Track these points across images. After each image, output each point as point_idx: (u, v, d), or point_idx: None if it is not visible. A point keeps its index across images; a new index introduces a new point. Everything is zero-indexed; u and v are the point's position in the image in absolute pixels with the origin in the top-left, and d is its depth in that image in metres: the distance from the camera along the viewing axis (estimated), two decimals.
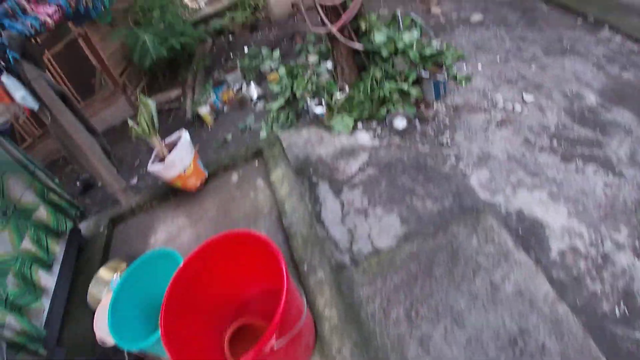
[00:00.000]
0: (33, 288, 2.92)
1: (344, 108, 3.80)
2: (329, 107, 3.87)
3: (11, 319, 2.63)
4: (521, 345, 1.94)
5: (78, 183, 5.12)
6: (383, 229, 2.88)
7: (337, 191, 3.26)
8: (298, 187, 2.91)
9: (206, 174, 3.38)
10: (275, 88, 4.57)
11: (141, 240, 3.36)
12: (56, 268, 3.17)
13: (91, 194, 4.97)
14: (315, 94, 4.05)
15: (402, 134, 3.51)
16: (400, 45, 3.62)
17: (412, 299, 2.27)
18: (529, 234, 2.53)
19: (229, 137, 4.51)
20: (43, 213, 3.17)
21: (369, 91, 3.70)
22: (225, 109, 4.99)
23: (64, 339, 3.03)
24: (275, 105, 4.43)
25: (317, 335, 2.13)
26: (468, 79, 3.81)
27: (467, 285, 2.22)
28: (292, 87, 4.34)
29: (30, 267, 2.92)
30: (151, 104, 3.09)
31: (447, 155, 3.21)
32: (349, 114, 3.78)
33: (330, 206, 3.19)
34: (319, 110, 3.89)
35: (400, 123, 3.54)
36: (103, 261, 3.37)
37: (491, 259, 2.28)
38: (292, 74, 4.45)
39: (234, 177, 3.34)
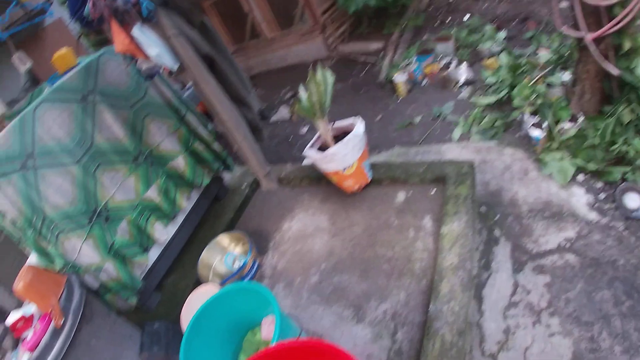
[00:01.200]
0: (145, 239, 2.75)
1: (568, 146, 2.82)
2: (549, 135, 2.91)
3: (109, 266, 2.48)
4: None
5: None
6: (547, 351, 2.10)
7: (518, 266, 2.46)
8: (471, 258, 2.20)
9: (369, 179, 2.79)
10: (490, 78, 3.66)
11: (275, 219, 3.03)
12: (180, 218, 2.98)
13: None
14: (537, 110, 3.08)
15: (630, 220, 2.50)
16: None
17: None
18: None
19: (417, 119, 3.81)
20: (181, 163, 2.90)
21: (607, 136, 2.66)
22: (424, 83, 4.22)
23: (165, 285, 2.91)
24: (483, 100, 3.55)
25: None
26: None
27: None
28: (510, 87, 3.40)
29: (148, 219, 2.73)
30: (329, 78, 2.52)
31: None
32: (572, 156, 2.81)
33: (500, 283, 2.43)
34: (536, 132, 2.96)
35: (634, 202, 2.51)
36: (234, 220, 3.15)
37: None
38: (515, 70, 3.48)
39: (400, 196, 2.72)
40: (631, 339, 2.04)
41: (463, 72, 3.91)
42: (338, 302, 2.42)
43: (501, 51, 3.95)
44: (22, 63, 3.33)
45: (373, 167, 2.88)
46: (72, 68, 2.58)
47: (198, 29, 2.36)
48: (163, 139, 2.87)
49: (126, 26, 2.02)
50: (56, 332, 2.14)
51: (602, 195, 2.67)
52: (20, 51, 3.49)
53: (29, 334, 2.23)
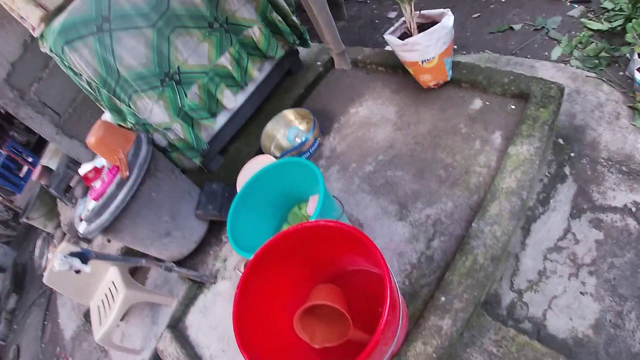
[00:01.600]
0: (214, 105, 2.82)
1: None
2: None
3: (177, 126, 2.60)
4: None
5: None
6: (573, 308, 2.08)
7: (577, 212, 2.35)
8: (531, 187, 2.12)
9: (448, 77, 2.66)
10: (607, 3, 3.23)
11: (344, 102, 3.00)
12: (251, 88, 3.00)
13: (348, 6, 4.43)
14: None
15: None
16: None
17: None
18: None
19: (517, 27, 3.46)
20: (256, 32, 2.84)
21: None
22: None
23: (229, 150, 3.02)
24: (593, 25, 3.18)
25: None
26: None
27: None
28: (627, 19, 3.01)
29: (219, 85, 2.75)
30: None
31: None
32: None
33: (553, 223, 2.35)
34: None
35: None
36: (303, 97, 3.18)
37: None
38: (636, 1, 3.05)
39: (477, 103, 2.60)
40: None
41: None
42: (386, 195, 2.44)
43: None
44: None
45: (455, 66, 2.69)
46: None
47: None
48: (240, 6, 2.79)
49: None
50: (121, 183, 2.33)
51: None
52: None
53: (98, 184, 2.42)
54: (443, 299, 1.88)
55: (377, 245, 2.27)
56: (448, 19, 2.43)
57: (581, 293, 2.12)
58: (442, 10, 2.54)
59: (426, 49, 2.44)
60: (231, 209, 2.22)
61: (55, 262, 1.80)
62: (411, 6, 2.48)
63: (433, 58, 2.48)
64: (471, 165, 2.34)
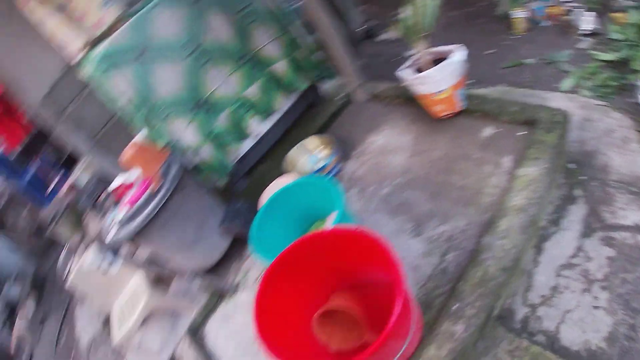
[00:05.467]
0: (240, 131, 3.00)
1: None
2: None
3: (207, 148, 2.78)
4: None
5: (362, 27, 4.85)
6: (586, 321, 2.12)
7: (588, 231, 2.41)
8: (539, 205, 2.24)
9: (461, 108, 2.82)
10: (615, 34, 3.37)
11: (363, 131, 3.17)
12: (276, 116, 3.21)
13: (366, 45, 4.66)
14: None
15: None
16: None
17: None
18: None
19: (529, 61, 3.62)
20: (281, 67, 3.08)
21: None
22: (544, 24, 3.92)
23: (254, 173, 3.19)
24: (601, 56, 3.31)
25: None
26: None
27: None
28: (635, 48, 3.15)
29: (246, 113, 2.97)
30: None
31: None
32: None
33: (565, 242, 2.41)
34: None
35: None
36: (325, 126, 3.34)
37: None
38: None
39: (487, 130, 2.74)
40: None
41: (588, 21, 3.60)
42: (402, 215, 2.57)
43: (634, 8, 3.56)
44: None
45: (468, 97, 2.86)
46: None
47: None
48: (266, 44, 3.07)
49: None
50: (152, 196, 2.54)
51: None
52: None
53: (128, 196, 2.64)
54: (456, 306, 1.98)
55: None
56: (459, 54, 2.61)
57: (594, 307, 2.16)
58: (454, 45, 2.72)
59: (438, 81, 2.61)
60: (255, 221, 2.38)
61: (88, 258, 1.91)
62: (424, 43, 2.66)
63: (445, 90, 2.65)
64: (483, 187, 2.46)
